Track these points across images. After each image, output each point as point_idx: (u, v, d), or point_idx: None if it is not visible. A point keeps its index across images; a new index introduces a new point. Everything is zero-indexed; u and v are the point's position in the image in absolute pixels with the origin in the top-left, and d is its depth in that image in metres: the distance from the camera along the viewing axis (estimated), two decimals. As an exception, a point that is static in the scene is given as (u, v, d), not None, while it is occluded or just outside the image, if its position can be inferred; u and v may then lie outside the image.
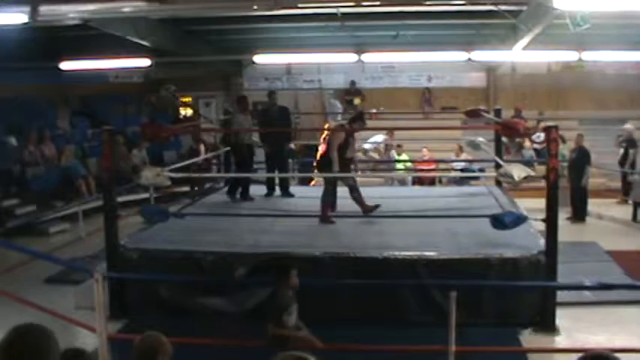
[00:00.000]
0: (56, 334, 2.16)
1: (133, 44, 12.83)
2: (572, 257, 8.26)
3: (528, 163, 10.94)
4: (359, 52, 15.47)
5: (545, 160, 6.60)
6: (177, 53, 14.89)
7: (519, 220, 6.75)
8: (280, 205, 9.46)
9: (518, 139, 14.54)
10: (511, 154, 14.39)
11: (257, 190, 9.98)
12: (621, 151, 13.35)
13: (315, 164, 8.76)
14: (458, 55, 15.34)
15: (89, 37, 12.65)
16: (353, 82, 18.28)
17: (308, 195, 9.87)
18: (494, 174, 8.82)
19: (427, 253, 6.52)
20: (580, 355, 2.25)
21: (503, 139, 11.13)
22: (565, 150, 12.27)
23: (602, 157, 13.63)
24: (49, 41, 12.84)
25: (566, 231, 9.08)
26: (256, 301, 6.47)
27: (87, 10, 8.89)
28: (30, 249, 8.24)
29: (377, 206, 8.03)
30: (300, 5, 10.21)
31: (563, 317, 6.31)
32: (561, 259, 6.41)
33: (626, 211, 11.75)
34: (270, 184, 10.15)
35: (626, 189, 13.01)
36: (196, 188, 13.86)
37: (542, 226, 6.49)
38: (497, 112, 10.49)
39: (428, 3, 11.23)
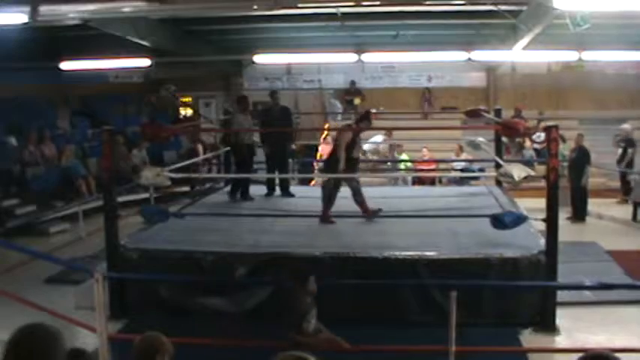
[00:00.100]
0: (57, 334, 2.16)
1: (133, 44, 12.83)
2: (572, 257, 8.25)
3: (528, 163, 10.95)
4: (359, 52, 15.47)
5: (545, 160, 6.60)
6: (177, 53, 14.90)
7: (519, 220, 6.76)
8: (280, 205, 9.46)
9: (518, 139, 14.54)
10: (511, 154, 14.39)
11: (257, 190, 9.98)
12: (619, 150, 13.36)
13: (321, 164, 8.74)
14: (458, 55, 15.34)
15: (89, 37, 12.65)
16: (353, 82, 18.29)
17: (308, 195, 9.87)
18: (494, 174, 8.83)
19: (427, 253, 6.52)
20: (580, 355, 2.25)
21: (503, 139, 11.13)
22: (565, 150, 12.27)
23: (602, 157, 13.64)
24: (49, 41, 12.84)
25: (566, 231, 9.07)
26: (256, 301, 6.47)
27: (87, 10, 8.89)
28: (30, 249, 8.23)
29: (379, 210, 8.03)
30: (300, 5, 10.21)
31: (563, 317, 6.30)
32: (561, 259, 6.41)
33: (626, 211, 11.75)
34: (270, 184, 10.15)
35: (626, 189, 13.03)
36: (198, 188, 13.87)
37: (542, 226, 6.49)
38: (498, 112, 10.49)
39: (428, 3, 11.24)
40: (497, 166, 9.18)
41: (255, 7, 8.81)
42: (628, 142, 13.28)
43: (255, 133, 10.37)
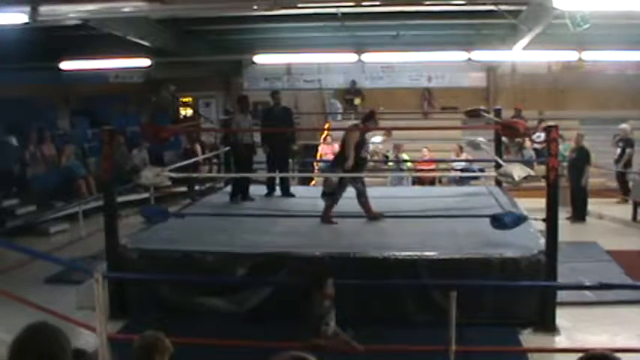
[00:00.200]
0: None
1: (133, 44, 12.82)
2: (572, 257, 8.26)
3: (528, 163, 10.95)
4: (359, 52, 15.45)
5: (545, 160, 6.60)
6: (177, 53, 14.89)
7: (519, 220, 6.76)
8: (280, 205, 9.47)
9: (518, 139, 14.54)
10: (511, 154, 14.39)
11: (257, 190, 9.98)
12: (618, 150, 13.39)
13: (322, 164, 8.73)
14: (458, 55, 15.32)
15: (89, 37, 12.64)
16: (353, 82, 18.29)
17: (308, 195, 9.88)
18: (494, 174, 8.83)
19: (427, 253, 6.52)
20: (580, 355, 2.25)
21: (503, 139, 11.14)
22: (565, 151, 12.26)
23: (602, 157, 13.63)
24: (49, 41, 12.82)
25: (566, 231, 9.08)
26: (256, 301, 6.48)
27: (87, 10, 8.89)
28: (30, 249, 8.23)
29: (381, 215, 8.03)
30: (300, 5, 10.20)
31: (563, 317, 6.31)
32: (561, 259, 6.41)
33: (626, 211, 11.75)
34: (270, 184, 10.16)
35: (625, 188, 13.04)
36: (197, 188, 13.87)
37: (542, 226, 6.49)
38: (498, 112, 10.49)
39: (428, 3, 11.23)
40: (498, 166, 9.17)
41: (255, 7, 8.80)
42: (627, 142, 13.29)
43: (255, 133, 10.37)
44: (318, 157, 15.24)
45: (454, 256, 6.50)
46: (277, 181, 10.11)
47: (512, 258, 6.36)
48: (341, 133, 15.43)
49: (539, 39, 12.13)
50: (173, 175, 8.37)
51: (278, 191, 10.05)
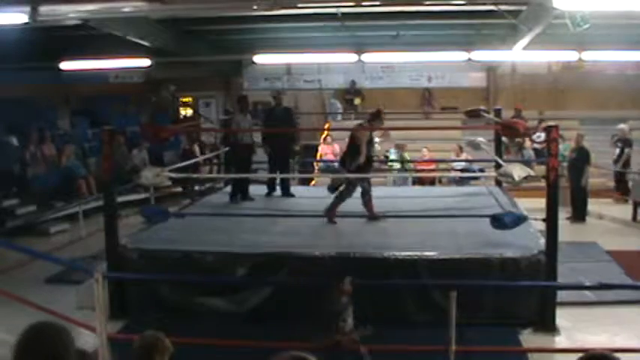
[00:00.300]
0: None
1: (133, 44, 12.83)
2: (572, 257, 8.27)
3: (528, 163, 10.95)
4: (359, 52, 15.45)
5: (544, 160, 6.60)
6: (177, 53, 14.89)
7: (519, 220, 6.76)
8: (280, 205, 9.47)
9: (518, 139, 14.54)
10: (511, 154, 14.39)
11: (257, 190, 9.98)
12: (617, 150, 13.40)
13: (322, 164, 8.74)
14: (458, 55, 15.32)
15: (89, 37, 12.64)
16: (353, 82, 18.29)
17: (308, 195, 9.88)
18: (494, 174, 8.83)
19: (427, 253, 6.53)
20: (580, 355, 2.25)
21: (503, 139, 11.13)
22: (565, 150, 12.26)
23: (602, 157, 13.64)
24: (49, 41, 12.82)
25: (566, 231, 9.09)
26: (256, 301, 6.48)
27: (87, 10, 8.89)
28: (30, 249, 8.23)
29: (383, 216, 8.04)
30: (300, 5, 10.21)
31: (563, 317, 6.31)
32: (561, 259, 6.41)
33: (626, 211, 11.76)
34: (271, 183, 10.16)
35: (624, 188, 13.04)
36: (197, 188, 13.86)
37: (542, 226, 6.49)
38: (498, 112, 10.50)
39: (428, 3, 11.23)
40: (498, 166, 9.18)
41: (255, 7, 8.80)
42: (625, 142, 13.31)
43: (254, 133, 10.37)
44: (318, 157, 15.25)
45: (454, 256, 6.50)
46: (277, 181, 10.11)
47: (512, 258, 6.36)
48: (341, 133, 15.60)
49: (539, 39, 12.13)
50: (173, 175, 8.36)
51: (278, 191, 10.05)
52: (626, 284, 7.29)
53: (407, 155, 14.51)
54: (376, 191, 8.42)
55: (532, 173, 6.65)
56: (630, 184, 12.78)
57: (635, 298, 6.69)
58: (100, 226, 7.50)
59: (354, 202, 8.06)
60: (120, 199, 8.85)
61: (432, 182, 13.86)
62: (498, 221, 6.72)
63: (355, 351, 4.84)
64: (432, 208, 8.87)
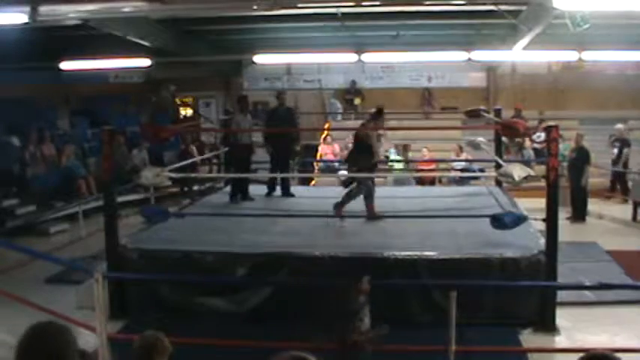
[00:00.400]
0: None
1: (133, 44, 12.83)
2: (572, 257, 8.27)
3: (528, 163, 10.95)
4: (359, 52, 15.45)
5: (544, 160, 6.60)
6: (177, 53, 14.89)
7: (519, 220, 6.76)
8: (280, 205, 9.47)
9: (518, 139, 14.54)
10: (511, 154, 14.39)
11: (258, 190, 9.98)
12: (615, 150, 13.41)
13: (321, 163, 8.77)
14: (458, 55, 15.32)
15: (89, 37, 12.64)
16: (353, 82, 18.28)
17: (308, 195, 9.88)
18: (494, 174, 8.83)
19: (427, 253, 6.53)
20: (580, 355, 2.25)
21: (503, 139, 11.13)
22: (565, 150, 12.27)
23: (602, 157, 13.64)
24: (49, 41, 12.82)
25: (566, 231, 9.09)
26: (256, 301, 6.48)
27: (87, 10, 8.89)
28: (30, 249, 8.24)
29: (383, 216, 8.05)
30: (300, 5, 10.20)
31: (563, 317, 6.31)
32: (561, 259, 6.41)
33: (626, 211, 11.76)
34: (272, 183, 10.16)
35: (623, 188, 13.03)
36: (197, 188, 13.86)
37: (542, 226, 6.49)
38: (498, 112, 10.50)
39: (428, 3, 11.23)
40: (498, 166, 9.18)
41: (255, 7, 8.80)
42: (623, 142, 13.33)
43: (254, 133, 10.37)
44: (318, 157, 15.25)
45: (454, 256, 6.50)
46: (278, 180, 10.11)
47: (512, 258, 6.36)
48: (341, 133, 15.61)
49: (539, 39, 12.13)
50: (173, 175, 8.36)
51: (278, 191, 10.05)
52: (626, 284, 7.29)
53: (411, 154, 14.51)
54: (376, 191, 8.42)
55: (532, 173, 6.64)
56: (630, 184, 12.78)
57: (635, 298, 6.69)
58: (100, 226, 7.50)
59: (354, 202, 8.07)
60: (120, 199, 8.86)
61: (432, 182, 13.86)
62: (498, 221, 6.72)
63: (372, 351, 4.83)
64: (432, 208, 8.87)
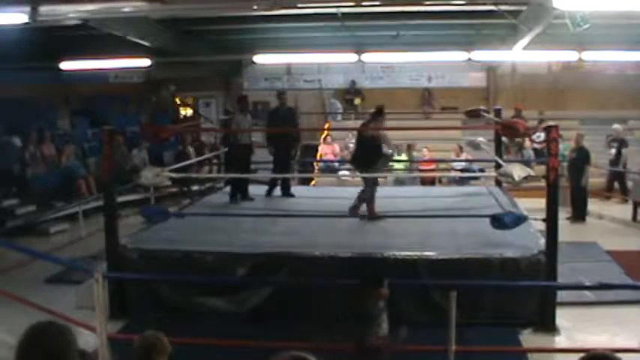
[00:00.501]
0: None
1: (133, 44, 12.82)
2: (572, 257, 8.27)
3: (528, 163, 10.95)
4: (359, 52, 15.45)
5: (544, 160, 6.60)
6: (177, 53, 14.89)
7: (519, 220, 6.76)
8: (280, 205, 9.47)
9: (518, 139, 14.54)
10: (511, 154, 14.39)
11: (258, 190, 9.98)
12: (612, 151, 13.42)
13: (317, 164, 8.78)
14: (458, 55, 15.32)
15: (89, 37, 12.64)
16: (353, 82, 18.28)
17: (308, 195, 9.88)
18: (494, 174, 8.83)
19: (427, 253, 6.53)
20: (580, 355, 2.25)
21: (503, 139, 11.13)
22: (565, 150, 12.27)
23: (602, 157, 13.64)
24: (49, 41, 12.82)
25: (566, 231, 9.09)
26: (256, 301, 6.48)
27: (87, 10, 8.89)
28: (30, 249, 8.24)
29: (383, 216, 8.06)
30: (300, 5, 10.20)
31: (563, 317, 6.31)
32: (561, 259, 6.41)
33: (626, 211, 11.76)
34: (273, 183, 10.16)
35: (623, 188, 13.04)
36: (196, 188, 13.85)
37: (542, 226, 6.49)
38: (498, 112, 10.50)
39: (428, 3, 11.23)
40: (498, 166, 9.18)
41: (255, 7, 8.80)
42: (621, 143, 13.33)
43: (253, 133, 10.37)
44: (318, 157, 15.25)
45: (454, 256, 6.50)
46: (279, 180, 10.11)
47: (512, 258, 6.36)
48: (341, 133, 15.61)
49: (539, 39, 12.13)
50: (173, 175, 8.36)
51: (277, 191, 10.05)
52: (626, 284, 7.29)
53: (415, 154, 14.51)
54: (377, 191, 8.42)
55: (532, 173, 6.65)
56: (630, 184, 12.78)
57: (635, 298, 6.68)
58: (100, 226, 7.50)
59: (353, 202, 8.08)
60: (120, 199, 8.85)
61: (432, 182, 13.86)
62: (498, 221, 6.72)
63: (388, 354, 4.83)
64: (432, 208, 8.87)
